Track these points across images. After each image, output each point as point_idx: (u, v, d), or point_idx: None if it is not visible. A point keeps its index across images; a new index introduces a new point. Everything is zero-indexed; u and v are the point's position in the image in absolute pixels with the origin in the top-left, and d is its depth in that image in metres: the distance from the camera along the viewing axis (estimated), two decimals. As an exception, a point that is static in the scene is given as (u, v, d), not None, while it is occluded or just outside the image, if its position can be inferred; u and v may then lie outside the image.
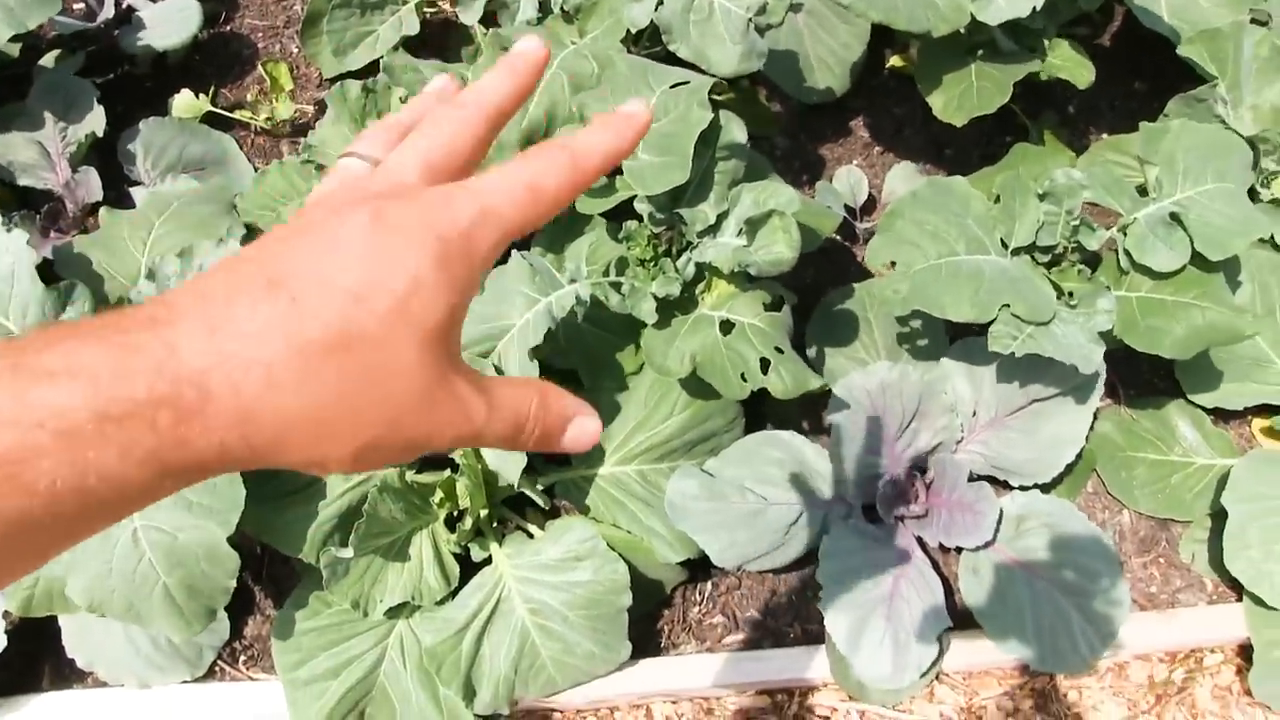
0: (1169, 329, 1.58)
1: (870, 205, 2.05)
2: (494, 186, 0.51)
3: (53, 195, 1.96)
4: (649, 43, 1.86)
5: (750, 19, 1.68)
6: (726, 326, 1.58)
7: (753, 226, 1.53)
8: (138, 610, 1.50)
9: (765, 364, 1.54)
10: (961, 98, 1.85)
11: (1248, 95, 1.92)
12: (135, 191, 1.98)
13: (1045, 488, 1.77)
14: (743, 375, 1.54)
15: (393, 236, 0.47)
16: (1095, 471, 1.86)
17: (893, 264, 1.57)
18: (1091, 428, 1.86)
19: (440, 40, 2.11)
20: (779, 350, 1.55)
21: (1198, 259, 1.59)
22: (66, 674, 1.76)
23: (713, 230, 1.57)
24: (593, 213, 1.65)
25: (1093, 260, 1.71)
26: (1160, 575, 1.82)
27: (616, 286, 1.59)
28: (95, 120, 1.99)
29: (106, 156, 2.03)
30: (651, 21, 1.72)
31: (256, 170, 2.11)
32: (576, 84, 1.72)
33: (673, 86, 1.59)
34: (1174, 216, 1.60)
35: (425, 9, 2.10)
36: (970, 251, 1.59)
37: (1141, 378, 1.94)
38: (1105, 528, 1.83)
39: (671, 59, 1.74)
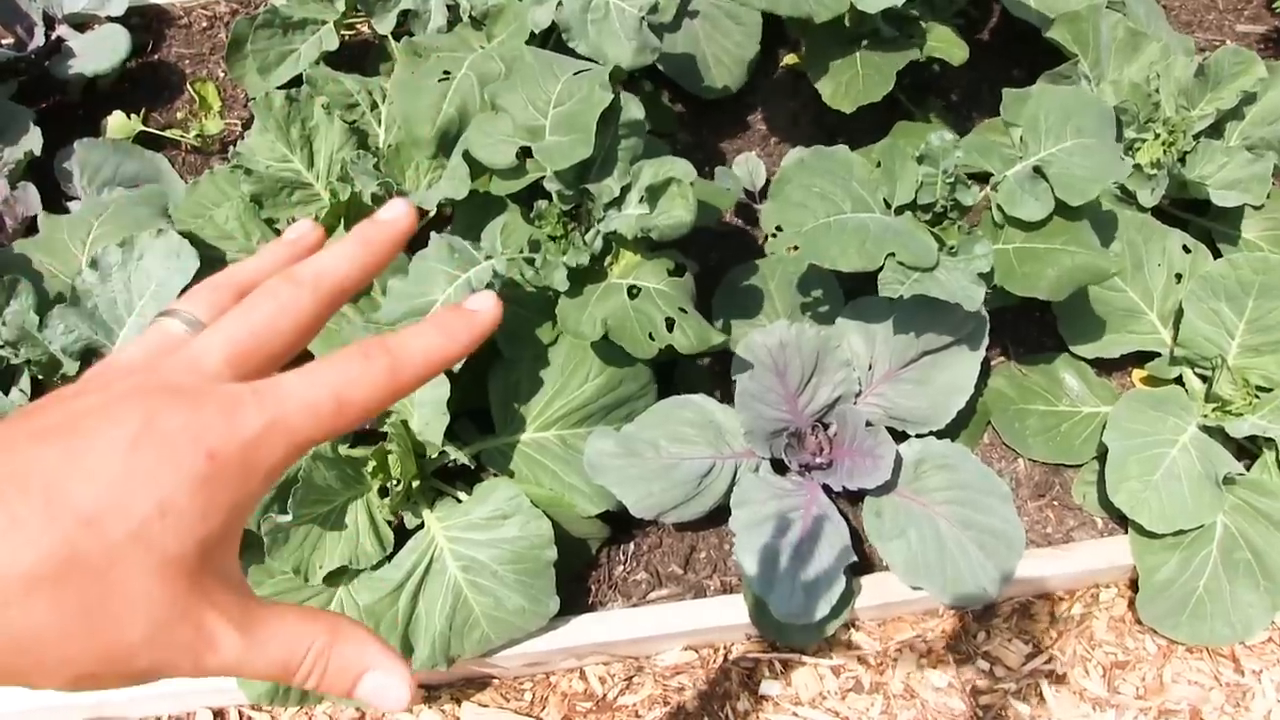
0: (1042, 273, 1.73)
1: (768, 189, 2.19)
2: (293, 393, 0.47)
3: (-8, 222, 2.05)
4: (554, 46, 1.99)
5: (643, 17, 1.83)
6: (634, 292, 1.70)
7: (653, 194, 1.66)
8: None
9: (670, 324, 1.66)
10: (849, 85, 2.00)
11: (1109, 72, 2.09)
12: (73, 205, 2.07)
13: (942, 436, 1.90)
14: (650, 335, 1.66)
15: (154, 451, 0.43)
16: (990, 425, 1.99)
17: (777, 229, 1.70)
18: (986, 383, 2.01)
19: (360, 56, 2.24)
20: (682, 310, 1.67)
21: (1062, 208, 1.74)
22: None
23: (617, 203, 1.70)
24: (503, 194, 1.77)
25: (971, 219, 1.86)
26: (1055, 517, 1.95)
27: (530, 262, 1.71)
28: (32, 140, 2.09)
29: (43, 175, 2.12)
30: (553, 23, 1.85)
31: (186, 180, 2.22)
32: (485, 83, 1.85)
33: (576, 74, 1.72)
34: (1037, 170, 1.76)
35: (343, 28, 2.22)
36: (856, 210, 1.73)
37: (1031, 336, 2.09)
38: (1002, 475, 1.96)
39: (572, 57, 1.87)
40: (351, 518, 1.74)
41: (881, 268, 1.66)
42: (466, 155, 1.76)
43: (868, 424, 1.80)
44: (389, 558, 1.74)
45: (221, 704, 1.87)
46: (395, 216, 0.56)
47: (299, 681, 0.49)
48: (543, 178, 1.73)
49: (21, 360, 1.68)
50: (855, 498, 1.88)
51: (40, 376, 1.70)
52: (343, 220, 1.89)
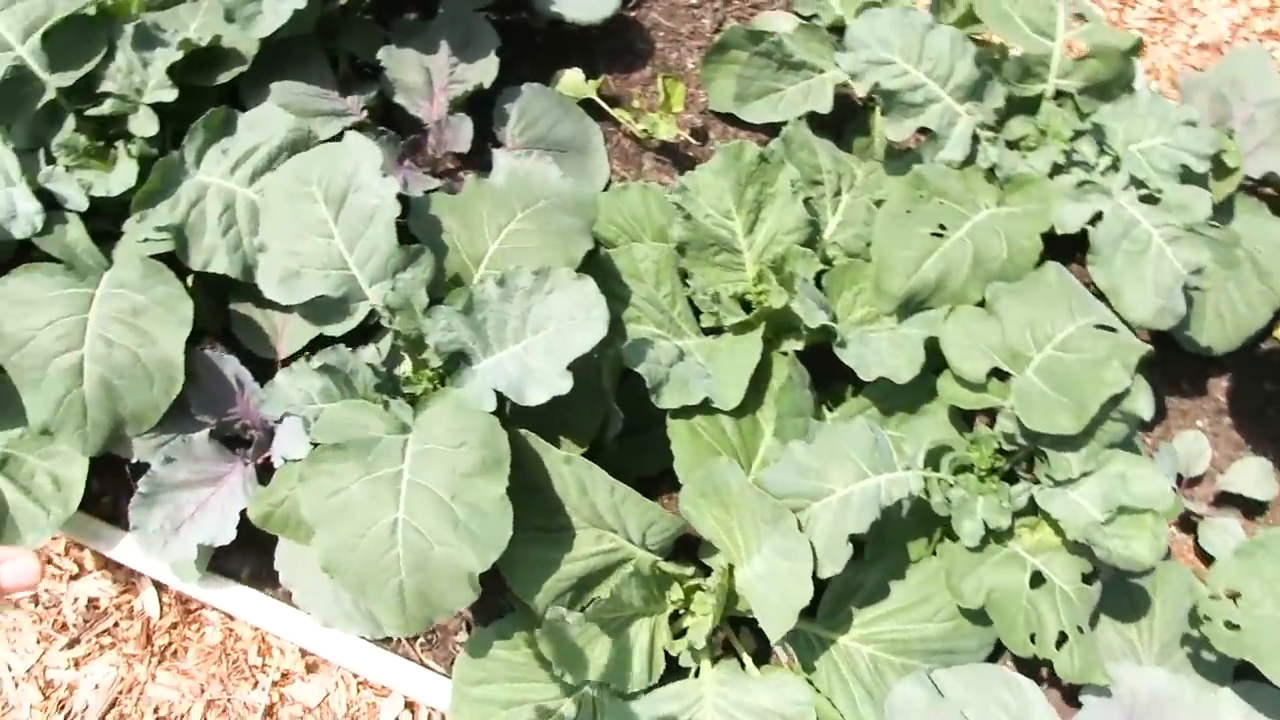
0: None
1: (1198, 479, 1.91)
2: None
3: (420, 126, 1.95)
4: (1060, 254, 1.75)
5: (1186, 274, 1.57)
6: (1037, 579, 1.49)
7: (1120, 510, 1.42)
8: (365, 590, 1.49)
9: (1061, 638, 1.45)
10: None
11: None
12: (497, 154, 1.95)
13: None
14: (1032, 636, 1.46)
15: None
16: None
17: (1235, 596, 1.45)
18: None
19: (839, 114, 2.01)
20: (1080, 630, 1.46)
21: None
22: (264, 577, 1.80)
23: (1069, 483, 1.48)
24: (949, 403, 1.56)
25: None
26: None
27: (945, 487, 1.51)
28: (486, 70, 1.97)
29: (475, 108, 2.00)
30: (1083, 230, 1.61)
31: (613, 170, 2.08)
32: (978, 260, 1.63)
33: (1096, 326, 1.48)
34: None
35: (838, 84, 2.00)
36: (1319, 616, 1.46)
37: None
38: None
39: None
40: (634, 631, 1.63)
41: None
42: (928, 340, 1.56)
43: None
44: (649, 689, 1.63)
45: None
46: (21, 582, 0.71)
47: None
48: (1001, 408, 1.51)
49: (393, 327, 1.59)
50: None
51: (404, 350, 1.61)
52: (763, 325, 1.71)
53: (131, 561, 1.84)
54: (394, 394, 1.61)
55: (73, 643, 2.01)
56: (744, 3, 2.28)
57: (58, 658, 2.01)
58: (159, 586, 2.00)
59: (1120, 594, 1.72)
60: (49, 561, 2.07)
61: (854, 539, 1.46)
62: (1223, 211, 1.81)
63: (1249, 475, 1.86)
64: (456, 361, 1.60)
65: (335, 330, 1.67)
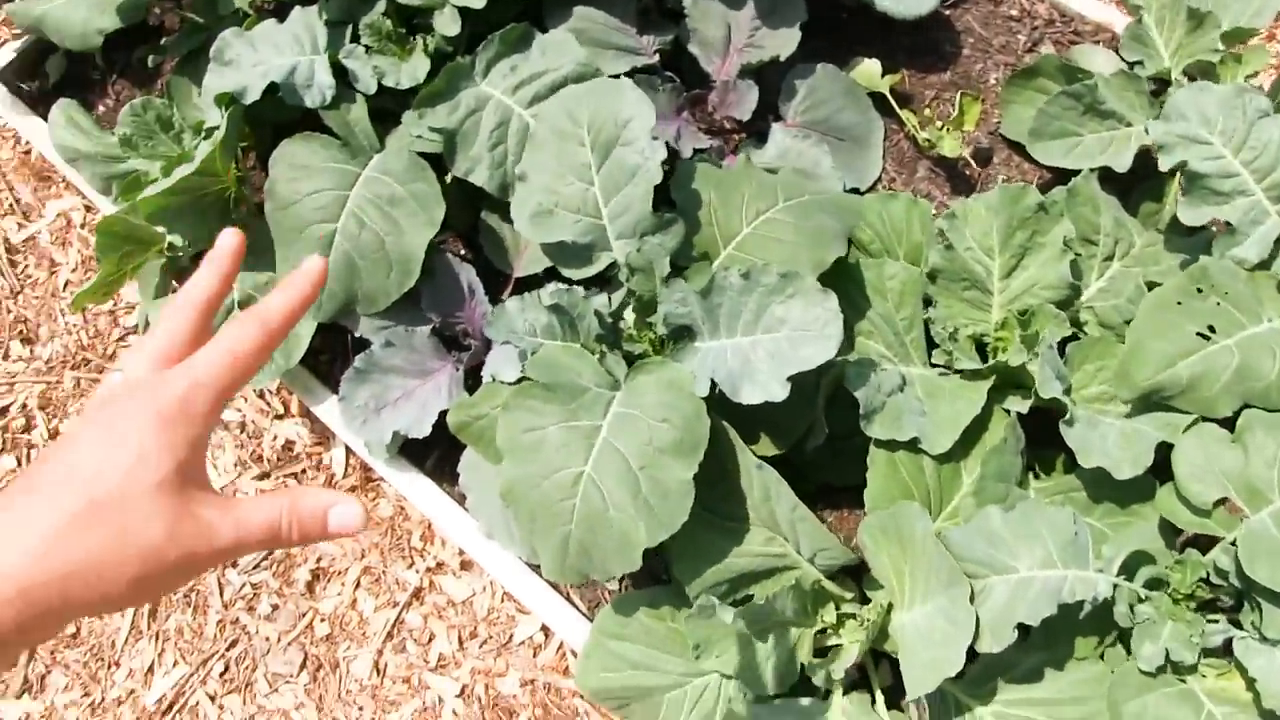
0: None
1: None
2: (203, 360, 0.70)
3: (707, 81, 1.93)
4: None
5: None
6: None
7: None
8: (534, 529, 1.52)
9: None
10: None
11: None
12: (775, 128, 1.91)
13: None
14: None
15: (120, 426, 0.66)
16: None
17: None
18: None
19: (1129, 176, 1.89)
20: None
21: None
22: (444, 473, 1.88)
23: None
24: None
25: None
26: None
27: (1135, 598, 1.44)
28: (787, 41, 1.92)
29: (765, 74, 1.96)
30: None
31: (884, 170, 2.02)
32: (1241, 374, 1.52)
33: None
34: None
35: (1138, 148, 1.86)
36: None
37: None
38: None
39: None
40: (778, 639, 1.62)
41: None
42: (1160, 444, 1.47)
43: None
44: (775, 697, 1.63)
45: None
46: (226, 244, 0.80)
47: (285, 537, 0.70)
48: (1221, 538, 1.42)
49: (629, 285, 1.59)
50: None
51: (634, 310, 1.62)
52: (993, 377, 1.65)
53: (331, 422, 1.94)
54: (613, 348, 1.63)
55: (264, 475, 2.16)
56: (1066, 27, 2.14)
57: (248, 485, 2.16)
58: (348, 450, 2.11)
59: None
60: (261, 396, 2.22)
61: (1021, 626, 1.41)
62: None
63: None
64: (680, 335, 1.60)
65: (574, 274, 1.70)
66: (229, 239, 0.80)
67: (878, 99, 2.02)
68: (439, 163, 1.78)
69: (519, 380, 1.61)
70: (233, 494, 2.11)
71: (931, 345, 1.75)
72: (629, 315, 1.63)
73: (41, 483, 0.63)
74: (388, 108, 1.85)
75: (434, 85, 1.76)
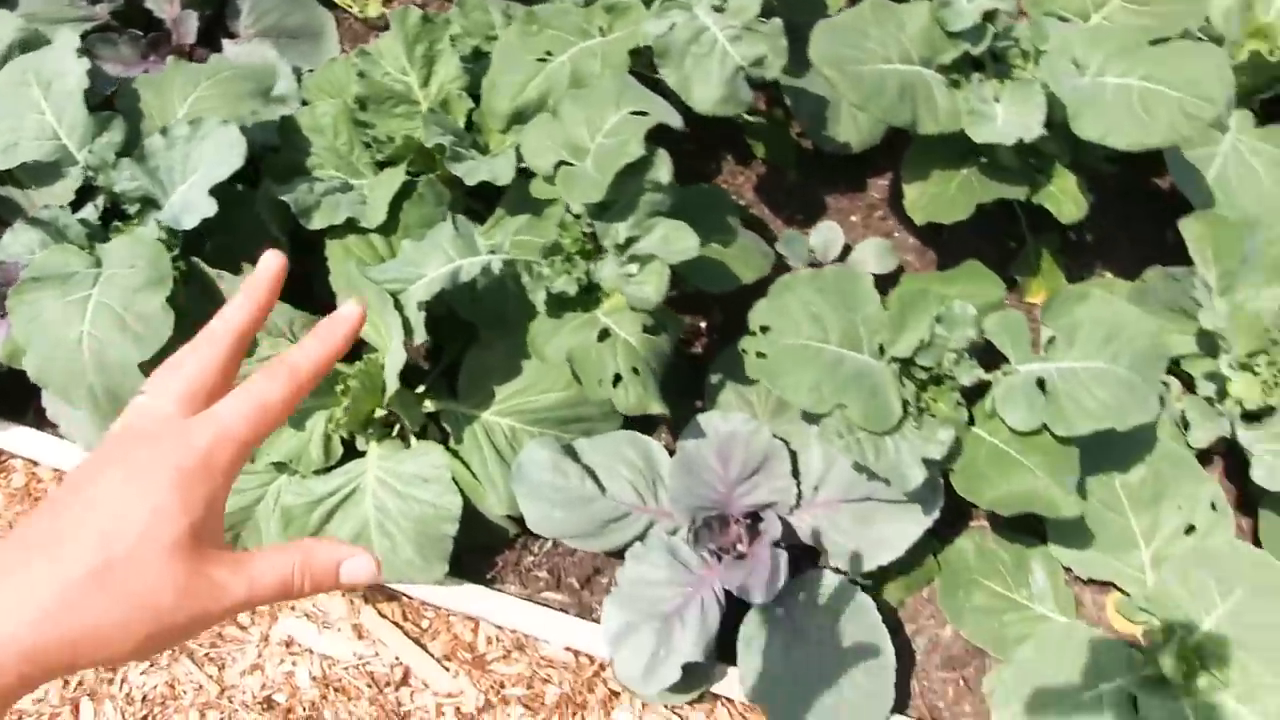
0: (994, 483, 1.65)
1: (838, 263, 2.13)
2: (230, 410, 0.68)
3: (163, 25, 2.27)
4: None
5: (743, 67, 1.79)
6: (603, 334, 1.74)
7: (641, 262, 1.67)
8: (69, 394, 1.81)
9: (617, 377, 1.70)
10: (933, 199, 1.89)
11: (1240, 290, 1.87)
12: (226, 44, 2.26)
13: (877, 580, 1.87)
14: (599, 381, 1.71)
15: (140, 479, 0.64)
16: (934, 581, 1.93)
17: (762, 329, 1.68)
18: (952, 539, 1.94)
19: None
20: (635, 370, 1.71)
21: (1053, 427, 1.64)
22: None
23: (621, 249, 1.72)
24: (539, 197, 1.82)
25: (978, 392, 1.76)
26: (954, 695, 1.90)
27: (528, 267, 1.77)
28: (215, -32, 2.28)
29: (219, 4, 2.31)
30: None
31: (345, 52, 2.37)
32: (576, 78, 1.87)
33: (633, 113, 1.72)
34: (1041, 383, 1.65)
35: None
36: (841, 345, 1.68)
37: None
38: (922, 633, 1.92)
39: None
40: (311, 423, 1.91)
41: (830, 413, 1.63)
42: (518, 147, 1.82)
43: (801, 543, 1.81)
44: (329, 469, 1.92)
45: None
46: (268, 266, 0.77)
47: (298, 590, 0.69)
48: (571, 195, 1.76)
49: (99, 185, 1.91)
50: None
51: (108, 206, 1.93)
52: (408, 159, 1.99)
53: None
54: (105, 240, 1.93)
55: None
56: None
57: None
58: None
59: (740, 370, 1.96)
60: None
61: (421, 305, 1.72)
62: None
63: (868, 249, 2.07)
64: (148, 208, 1.91)
65: (57, 192, 2.00)
66: (271, 261, 0.78)
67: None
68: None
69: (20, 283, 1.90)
70: None
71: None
72: (99, 204, 1.94)
73: (60, 533, 0.63)
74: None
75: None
